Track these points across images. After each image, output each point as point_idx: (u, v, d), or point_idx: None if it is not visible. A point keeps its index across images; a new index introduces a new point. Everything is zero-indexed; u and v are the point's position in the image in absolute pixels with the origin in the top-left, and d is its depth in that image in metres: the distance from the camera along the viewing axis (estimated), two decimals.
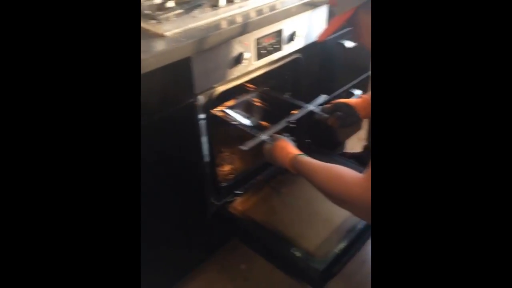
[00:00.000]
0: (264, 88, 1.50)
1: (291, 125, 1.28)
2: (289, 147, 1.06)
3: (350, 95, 1.65)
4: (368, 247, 1.18)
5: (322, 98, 1.35)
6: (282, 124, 1.27)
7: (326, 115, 1.25)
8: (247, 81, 1.24)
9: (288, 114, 1.32)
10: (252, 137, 1.20)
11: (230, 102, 1.46)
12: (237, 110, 1.49)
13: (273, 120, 1.32)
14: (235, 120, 1.39)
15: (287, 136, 1.17)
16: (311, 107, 1.31)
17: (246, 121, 1.48)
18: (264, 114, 1.59)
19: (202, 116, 1.11)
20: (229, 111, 1.42)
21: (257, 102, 1.59)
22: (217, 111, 1.39)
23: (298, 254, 1.09)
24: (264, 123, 1.54)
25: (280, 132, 1.25)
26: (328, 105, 1.27)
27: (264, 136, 1.20)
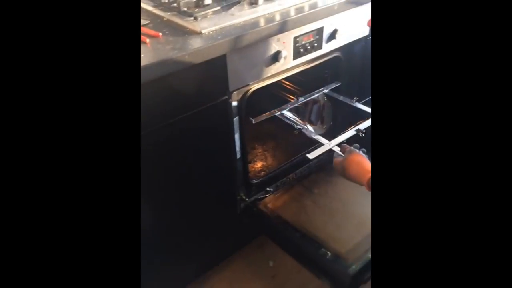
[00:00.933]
0: (329, 90, 1.42)
1: (361, 135, 1.19)
2: (366, 163, 0.96)
3: None
4: None
5: None
6: (350, 133, 1.19)
7: None
8: (284, 79, 1.22)
9: (352, 120, 1.24)
10: (317, 144, 1.13)
11: (286, 105, 1.37)
12: (295, 114, 1.43)
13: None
14: (297, 124, 1.31)
15: (358, 148, 1.07)
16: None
17: (308, 126, 1.41)
18: (324, 117, 1.52)
19: (235, 113, 1.11)
20: (287, 114, 1.35)
21: (312, 104, 1.51)
22: (274, 114, 1.33)
23: (327, 256, 1.07)
24: (309, 124, 1.49)
25: (347, 141, 1.16)
26: None
27: (332, 146, 1.12)
